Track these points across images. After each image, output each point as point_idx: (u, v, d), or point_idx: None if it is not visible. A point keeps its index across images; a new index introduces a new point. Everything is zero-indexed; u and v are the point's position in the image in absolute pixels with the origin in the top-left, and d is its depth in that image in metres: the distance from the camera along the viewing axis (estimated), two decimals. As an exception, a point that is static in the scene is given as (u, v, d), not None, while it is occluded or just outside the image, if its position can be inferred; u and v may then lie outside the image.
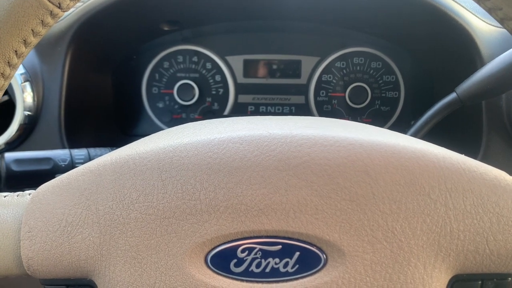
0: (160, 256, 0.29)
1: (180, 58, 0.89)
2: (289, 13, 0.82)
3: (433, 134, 0.60)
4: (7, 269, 0.32)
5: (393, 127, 0.88)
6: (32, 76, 0.68)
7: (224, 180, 0.29)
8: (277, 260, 0.29)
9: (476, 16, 0.67)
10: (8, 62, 0.33)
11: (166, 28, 0.84)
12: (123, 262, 0.30)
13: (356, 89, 0.86)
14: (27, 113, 0.66)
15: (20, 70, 0.67)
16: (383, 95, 0.88)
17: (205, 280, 0.29)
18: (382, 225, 0.29)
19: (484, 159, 0.63)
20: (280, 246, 0.29)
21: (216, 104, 0.90)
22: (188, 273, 0.29)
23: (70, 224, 0.31)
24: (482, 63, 0.63)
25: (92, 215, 0.30)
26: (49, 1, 0.32)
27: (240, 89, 0.90)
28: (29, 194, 0.33)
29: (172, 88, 0.89)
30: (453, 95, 0.57)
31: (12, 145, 0.68)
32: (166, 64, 0.89)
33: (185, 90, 0.88)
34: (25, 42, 0.33)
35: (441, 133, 0.67)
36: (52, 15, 0.33)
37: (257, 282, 0.29)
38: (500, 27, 0.67)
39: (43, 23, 0.33)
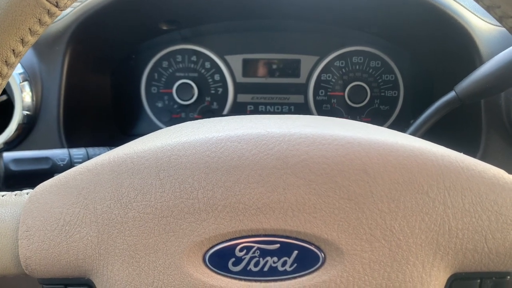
0: (158, 255, 0.29)
1: (179, 58, 0.89)
2: (288, 12, 0.82)
3: (432, 133, 0.60)
4: (5, 268, 0.32)
5: (392, 126, 0.88)
6: (30, 75, 0.68)
7: (222, 179, 0.29)
8: (275, 258, 0.29)
9: (475, 15, 0.67)
10: (6, 61, 0.33)
11: (165, 28, 0.84)
12: (121, 261, 0.30)
13: (355, 88, 0.86)
14: (25, 112, 0.66)
15: (19, 69, 0.67)
16: (382, 94, 0.88)
17: (203, 279, 0.29)
18: (381, 224, 0.29)
19: (483, 158, 0.63)
20: (278, 245, 0.29)
21: (215, 103, 0.90)
22: (186, 272, 0.29)
23: (68, 223, 0.31)
24: (481, 62, 0.63)
25: (90, 214, 0.30)
26: (47, 0, 0.32)
27: (239, 88, 0.90)
28: (27, 193, 0.33)
29: (171, 88, 0.89)
30: (452, 94, 0.57)
31: (11, 145, 0.68)
32: (165, 64, 0.89)
33: (184, 90, 0.88)
34: (22, 41, 0.33)
35: (440, 131, 0.67)
36: (50, 14, 0.33)
37: (256, 281, 0.29)
38: (499, 26, 0.67)
39: (40, 22, 0.33)
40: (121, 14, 0.73)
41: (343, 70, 0.88)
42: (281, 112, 0.90)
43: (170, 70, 0.89)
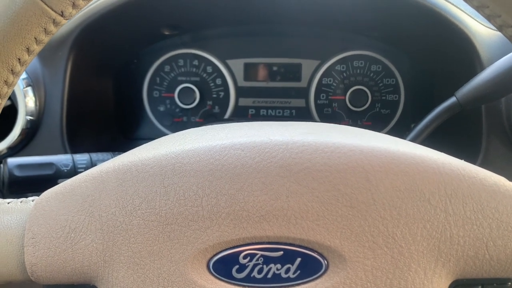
0: (163, 262, 0.30)
1: (181, 62, 0.90)
2: (289, 17, 0.83)
3: (433, 138, 0.60)
4: (11, 274, 0.32)
5: (393, 130, 0.88)
6: (34, 81, 0.68)
7: (226, 186, 0.30)
8: (278, 266, 0.29)
9: (476, 20, 0.68)
10: (12, 70, 0.34)
11: (167, 33, 0.85)
12: (125, 268, 0.30)
13: (356, 92, 0.87)
14: (29, 117, 0.67)
15: (22, 75, 0.67)
16: (383, 98, 0.88)
17: (207, 286, 0.29)
18: (383, 231, 0.29)
19: (484, 163, 0.64)
20: (281, 252, 0.29)
21: (217, 107, 0.90)
22: (191, 279, 0.29)
23: (73, 230, 0.31)
24: (482, 67, 0.64)
25: (95, 222, 0.31)
26: (52, 10, 0.32)
27: (241, 92, 0.90)
28: (33, 201, 0.34)
29: (173, 92, 0.89)
30: (452, 99, 0.58)
31: (14, 150, 0.68)
32: (167, 68, 0.90)
33: (186, 94, 0.89)
34: (28, 50, 0.33)
35: (441, 137, 0.67)
36: (55, 23, 0.33)
37: (259, 287, 0.29)
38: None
39: (46, 31, 0.33)
40: (123, 20, 0.74)
41: (344, 74, 0.88)
42: (283, 116, 0.91)
43: (172, 75, 0.90)
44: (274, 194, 0.29)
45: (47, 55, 0.70)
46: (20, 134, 0.66)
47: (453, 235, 0.29)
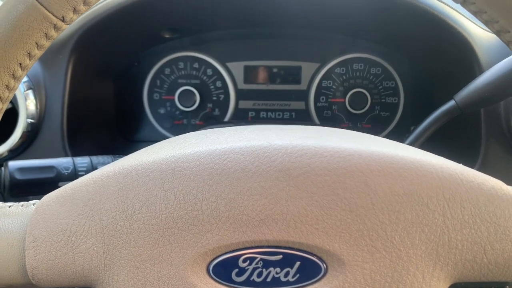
0: (163, 265, 0.30)
1: (181, 65, 0.90)
2: (289, 20, 0.83)
3: (432, 141, 0.60)
4: (12, 278, 0.32)
5: (392, 132, 0.89)
6: (35, 84, 0.69)
7: (225, 190, 0.30)
8: (278, 269, 0.30)
9: (475, 23, 0.68)
10: (13, 75, 0.34)
11: (167, 36, 0.85)
12: (126, 271, 0.30)
13: (356, 95, 0.87)
14: (30, 120, 0.67)
15: (23, 78, 0.67)
16: (383, 100, 0.88)
17: (207, 289, 0.30)
18: (381, 235, 0.29)
19: (483, 166, 0.64)
20: (281, 256, 0.30)
21: (217, 110, 0.91)
22: (191, 282, 0.30)
23: (74, 234, 0.31)
24: (481, 70, 0.64)
25: (95, 225, 0.31)
26: (53, 15, 0.33)
27: (241, 95, 0.90)
28: (34, 204, 0.34)
29: (173, 94, 0.90)
30: (452, 103, 0.58)
31: (15, 153, 0.68)
32: (167, 71, 0.90)
33: (186, 96, 0.89)
34: (29, 55, 0.34)
35: (440, 140, 0.67)
36: (56, 28, 0.34)
37: None
38: (498, 34, 0.67)
39: (47, 36, 0.34)
40: (124, 23, 0.74)
41: (344, 76, 0.88)
42: (282, 118, 0.91)
43: (172, 77, 0.90)
44: (273, 198, 0.29)
45: (48, 58, 0.71)
46: (21, 137, 0.67)
47: (451, 239, 0.29)
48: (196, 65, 0.90)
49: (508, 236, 0.30)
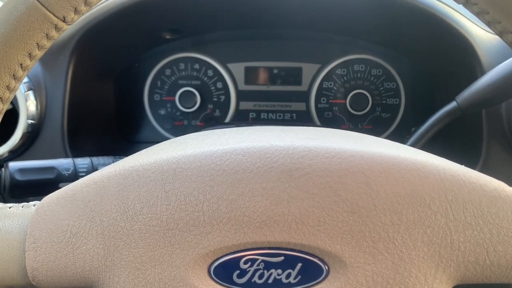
0: (164, 267, 0.30)
1: (182, 66, 0.90)
2: (290, 21, 0.83)
3: (433, 142, 0.60)
4: (12, 279, 0.32)
5: (394, 134, 0.88)
6: (35, 84, 0.69)
7: (226, 191, 0.30)
8: (279, 271, 0.29)
9: (476, 24, 0.68)
10: (14, 75, 0.34)
11: (168, 37, 0.85)
12: (127, 273, 0.30)
13: (357, 96, 0.87)
14: (30, 121, 0.67)
15: (24, 79, 0.67)
16: (384, 101, 0.88)
17: (208, 291, 0.29)
18: (383, 237, 0.29)
19: (484, 167, 0.64)
20: (282, 257, 0.29)
21: (217, 111, 0.91)
22: (192, 284, 0.29)
23: (74, 235, 0.31)
24: (482, 71, 0.64)
25: (96, 227, 0.31)
26: (54, 15, 0.33)
27: (242, 96, 0.90)
28: (34, 205, 0.34)
29: (174, 95, 0.90)
30: (453, 104, 0.58)
31: (15, 153, 0.68)
32: (168, 72, 0.90)
33: (187, 97, 0.89)
34: (30, 55, 0.34)
35: (441, 141, 0.67)
36: (57, 28, 0.33)
37: None
38: (499, 35, 0.67)
39: (47, 37, 0.33)
40: (125, 24, 0.74)
41: (345, 78, 0.88)
42: (283, 120, 0.91)
43: (173, 78, 0.90)
44: (275, 199, 0.29)
45: (49, 59, 0.71)
46: (21, 138, 0.67)
47: (454, 241, 0.29)
48: (196, 66, 0.90)
49: (510, 238, 0.30)
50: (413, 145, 0.60)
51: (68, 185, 0.33)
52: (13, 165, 0.55)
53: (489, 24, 0.32)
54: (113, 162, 0.60)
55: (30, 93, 0.67)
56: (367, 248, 0.29)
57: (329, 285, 0.29)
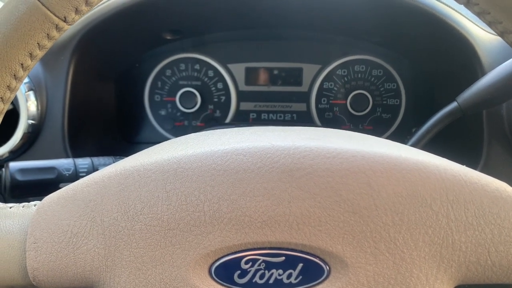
0: (165, 267, 0.30)
1: (182, 66, 0.90)
2: (290, 22, 0.83)
3: (434, 143, 0.60)
4: (13, 279, 0.32)
5: (394, 134, 0.88)
6: (36, 85, 0.69)
7: (227, 191, 0.30)
8: (280, 271, 0.29)
9: (476, 25, 0.68)
10: (14, 75, 0.34)
11: (168, 37, 0.85)
12: (127, 273, 0.30)
13: (357, 97, 0.87)
14: (31, 121, 0.67)
15: (25, 78, 0.67)
16: (384, 102, 0.88)
17: (209, 291, 0.29)
18: (385, 237, 0.29)
19: (485, 168, 0.64)
20: (283, 258, 0.29)
21: (218, 111, 0.91)
22: (193, 284, 0.29)
23: (75, 235, 0.31)
24: (483, 72, 0.64)
25: (97, 227, 0.31)
26: (55, 15, 0.33)
27: (242, 96, 0.90)
28: (35, 205, 0.34)
29: (175, 96, 0.90)
30: (454, 105, 0.58)
31: (16, 154, 0.68)
32: (168, 72, 0.90)
33: (187, 98, 0.89)
34: (31, 55, 0.34)
35: (442, 142, 0.67)
36: (58, 28, 0.33)
37: None
38: (500, 36, 0.67)
39: (48, 37, 0.33)
40: (125, 25, 0.74)
41: (345, 78, 0.88)
42: (284, 120, 0.91)
43: (174, 79, 0.90)
44: (276, 199, 0.29)
45: (49, 59, 0.71)
46: (22, 138, 0.67)
47: (455, 241, 0.29)
48: (197, 66, 0.90)
49: None
50: (414, 145, 0.60)
51: (69, 185, 0.33)
52: (14, 165, 0.55)
53: (490, 24, 0.32)
54: (114, 162, 0.60)
55: (31, 93, 0.67)
56: (368, 248, 0.29)
57: (330, 285, 0.29)
